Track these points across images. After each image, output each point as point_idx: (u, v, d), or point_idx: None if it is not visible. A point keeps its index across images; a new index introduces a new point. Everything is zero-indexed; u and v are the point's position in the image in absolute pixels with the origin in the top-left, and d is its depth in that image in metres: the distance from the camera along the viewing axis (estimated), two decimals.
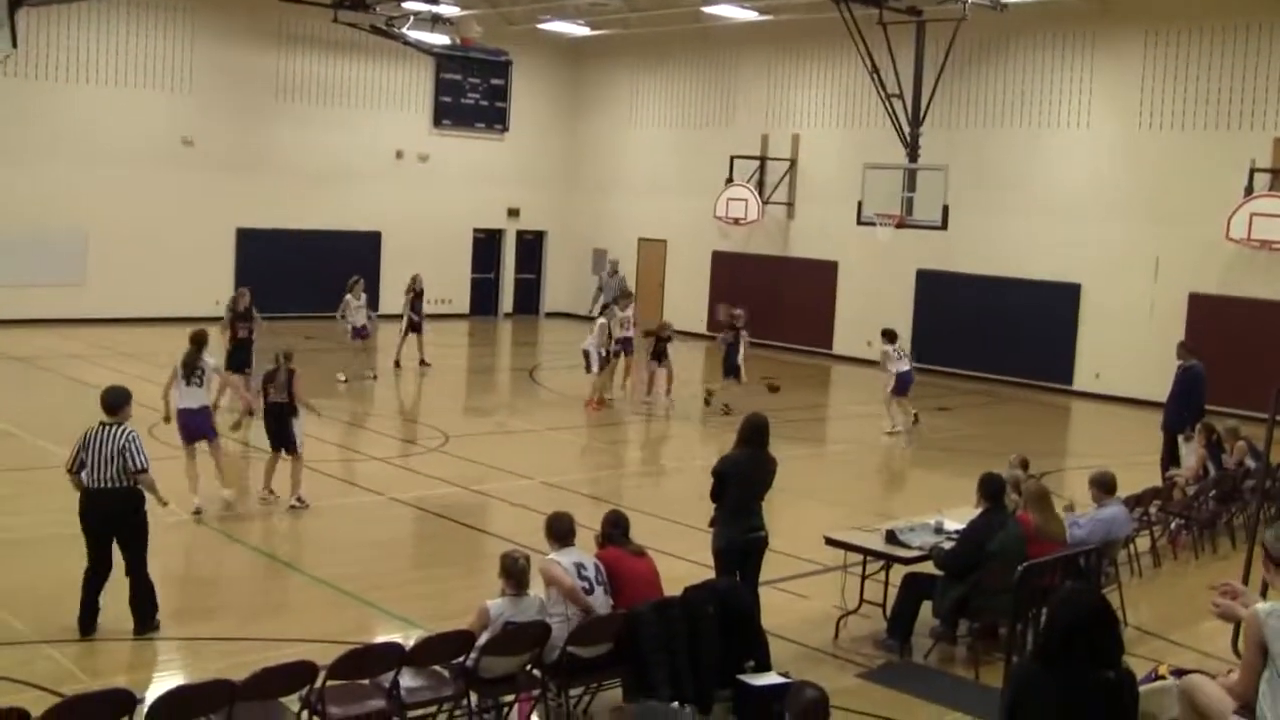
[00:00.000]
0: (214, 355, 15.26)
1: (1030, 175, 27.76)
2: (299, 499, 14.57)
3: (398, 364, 25.42)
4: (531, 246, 37.62)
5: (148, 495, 10.45)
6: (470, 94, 35.36)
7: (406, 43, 29.83)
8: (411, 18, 28.62)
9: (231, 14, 31.02)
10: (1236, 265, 24.59)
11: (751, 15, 29.47)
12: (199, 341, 14.60)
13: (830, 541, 11.63)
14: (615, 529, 9.60)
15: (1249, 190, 24.00)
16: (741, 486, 10.44)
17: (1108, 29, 26.70)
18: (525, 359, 29.27)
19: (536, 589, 9.01)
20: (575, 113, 37.60)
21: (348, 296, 24.17)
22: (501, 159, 35.90)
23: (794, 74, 32.17)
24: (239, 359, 20.02)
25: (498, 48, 31.63)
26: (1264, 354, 23.03)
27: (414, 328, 25.32)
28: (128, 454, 10.20)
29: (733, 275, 32.53)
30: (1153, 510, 14.57)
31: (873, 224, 25.54)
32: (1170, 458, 18.15)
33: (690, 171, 33.96)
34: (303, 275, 31.49)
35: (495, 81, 35.47)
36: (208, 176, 30.74)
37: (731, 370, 22.58)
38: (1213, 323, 24.37)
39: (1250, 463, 15.77)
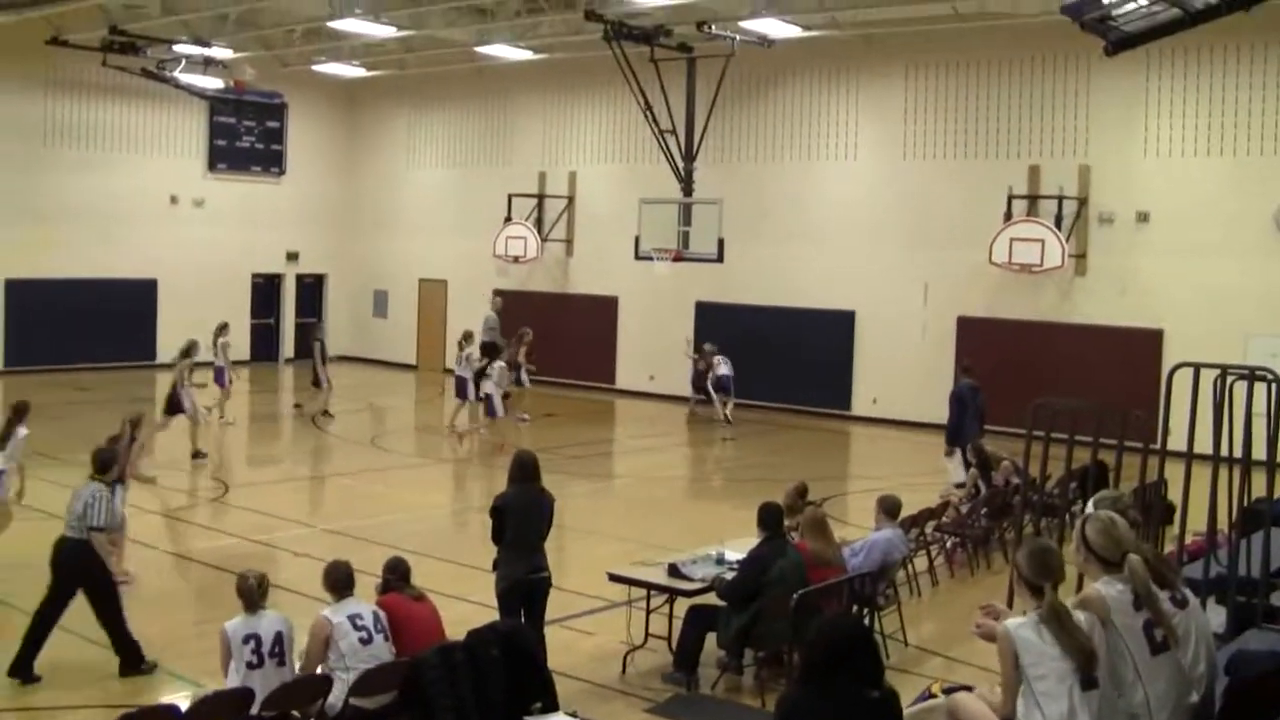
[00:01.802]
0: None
1: (802, 207, 28.40)
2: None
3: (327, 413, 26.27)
4: (311, 290, 37.09)
5: None
6: (245, 137, 34.80)
7: (179, 86, 29.28)
8: (183, 61, 28.13)
9: None
10: (1000, 288, 25.53)
11: (526, 55, 29.61)
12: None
13: (614, 577, 11.70)
14: (394, 574, 9.56)
15: (1008, 216, 24.95)
16: (520, 523, 10.44)
17: (871, 65, 27.52)
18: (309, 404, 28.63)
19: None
20: (352, 154, 37.24)
21: (224, 340, 24.62)
22: (279, 202, 35.34)
23: (570, 112, 32.41)
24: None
25: (272, 90, 31.27)
26: (1027, 372, 23.89)
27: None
28: None
29: (514, 312, 32.42)
30: (929, 530, 15.02)
31: (650, 259, 25.77)
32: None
33: (469, 211, 33.91)
34: (77, 325, 30.69)
35: (270, 124, 35.09)
36: None
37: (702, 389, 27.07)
38: (981, 344, 25.09)
39: (1015, 480, 16.36)
